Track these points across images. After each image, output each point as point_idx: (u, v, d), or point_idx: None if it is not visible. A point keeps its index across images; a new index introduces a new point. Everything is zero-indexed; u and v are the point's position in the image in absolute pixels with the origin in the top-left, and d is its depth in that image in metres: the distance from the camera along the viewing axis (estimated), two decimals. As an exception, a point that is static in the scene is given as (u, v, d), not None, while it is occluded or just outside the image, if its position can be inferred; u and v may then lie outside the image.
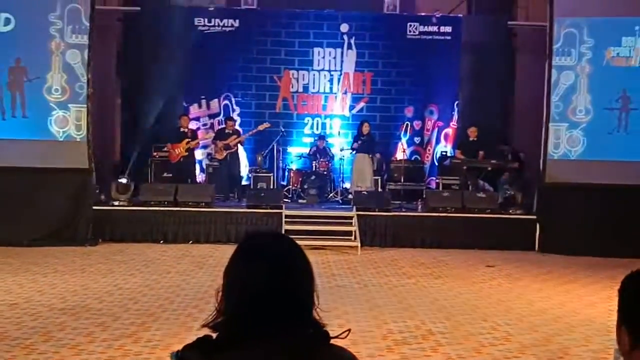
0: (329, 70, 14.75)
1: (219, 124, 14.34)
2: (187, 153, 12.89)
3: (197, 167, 13.83)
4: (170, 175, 13.02)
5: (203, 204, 11.92)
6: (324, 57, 14.72)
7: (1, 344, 5.66)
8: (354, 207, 11.92)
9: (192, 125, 13.84)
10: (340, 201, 13.27)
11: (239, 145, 13.30)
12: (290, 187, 13.61)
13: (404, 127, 14.65)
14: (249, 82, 14.66)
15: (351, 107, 14.81)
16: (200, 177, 13.98)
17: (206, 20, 14.31)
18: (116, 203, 11.94)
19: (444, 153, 14.51)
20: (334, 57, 14.71)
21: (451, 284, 8.75)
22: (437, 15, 14.45)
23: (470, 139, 13.01)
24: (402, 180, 13.69)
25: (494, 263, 10.34)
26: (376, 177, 13.61)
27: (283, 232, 9.98)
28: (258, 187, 13.18)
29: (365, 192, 12.51)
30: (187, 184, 12.73)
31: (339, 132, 14.51)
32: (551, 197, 11.79)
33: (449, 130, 14.74)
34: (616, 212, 11.28)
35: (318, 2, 14.69)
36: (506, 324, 6.73)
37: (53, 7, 11.42)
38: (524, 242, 11.64)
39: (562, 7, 11.83)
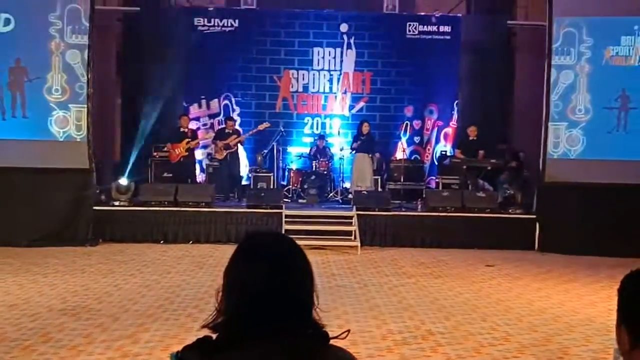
0: (329, 70, 14.76)
1: (219, 124, 14.35)
2: (187, 153, 12.88)
3: (197, 167, 13.84)
4: (171, 175, 13.02)
5: (203, 204, 11.93)
6: (323, 57, 14.73)
7: (0, 345, 5.66)
8: (354, 207, 11.93)
9: (192, 125, 13.84)
10: (340, 201, 13.28)
11: (239, 145, 13.30)
12: (290, 187, 13.62)
13: (404, 126, 14.66)
14: (248, 82, 14.67)
15: (351, 107, 14.82)
16: (200, 177, 13.98)
17: (206, 20, 14.32)
18: (116, 203, 11.94)
19: (444, 152, 14.51)
20: (334, 57, 14.72)
21: (451, 283, 8.75)
22: (436, 15, 14.46)
23: (470, 138, 13.01)
24: (402, 179, 13.70)
25: (493, 262, 10.35)
26: (376, 177, 13.61)
27: (283, 232, 9.98)
28: (258, 187, 13.19)
29: (365, 192, 12.51)
30: (187, 184, 12.73)
31: (338, 132, 14.51)
32: (551, 197, 11.79)
33: (449, 130, 14.74)
34: (616, 212, 11.28)
35: (317, 2, 14.70)
36: (506, 323, 6.74)
37: (53, 8, 11.42)
38: (523, 241, 11.64)
39: (561, 7, 11.83)
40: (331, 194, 13.66)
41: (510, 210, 12.24)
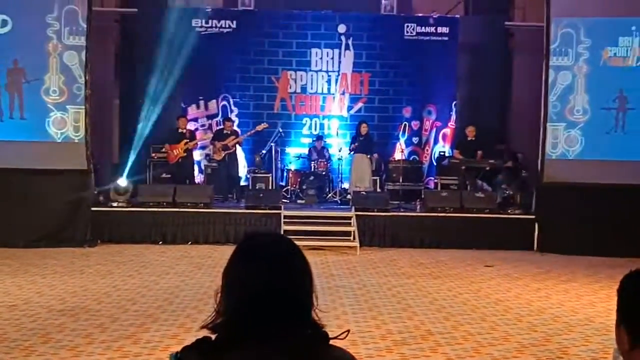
0: (327, 71, 14.75)
1: (217, 125, 14.35)
2: (185, 154, 12.87)
3: (196, 167, 13.83)
4: (169, 176, 13.00)
5: (202, 204, 11.92)
6: (321, 58, 14.72)
7: (0, 346, 5.65)
8: (353, 208, 11.92)
9: (191, 126, 13.83)
10: (339, 201, 13.27)
11: (237, 145, 13.30)
12: (289, 187, 13.61)
13: (402, 127, 14.65)
14: (246, 83, 14.67)
15: (349, 108, 14.82)
16: (198, 177, 13.97)
17: (204, 21, 14.31)
18: (115, 204, 11.93)
19: (442, 153, 14.52)
20: (332, 58, 14.72)
21: (450, 284, 8.75)
22: (434, 16, 14.46)
23: (469, 138, 13.01)
24: (401, 180, 13.69)
25: (492, 263, 10.35)
26: (375, 178, 13.61)
27: (282, 232, 9.97)
28: (257, 187, 13.19)
29: (364, 193, 12.51)
30: (186, 184, 12.73)
31: (337, 133, 14.51)
32: (549, 197, 11.79)
33: (447, 131, 14.75)
34: (614, 212, 11.28)
35: (315, 3, 14.70)
36: (505, 323, 6.74)
37: (50, 9, 11.40)
38: (522, 241, 11.64)
39: (559, 8, 11.84)
40: (330, 195, 13.65)
41: (509, 211, 12.25)
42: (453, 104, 14.65)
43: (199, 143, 13.59)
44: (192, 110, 14.51)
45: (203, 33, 14.27)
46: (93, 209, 11.48)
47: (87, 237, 11.26)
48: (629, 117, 11.74)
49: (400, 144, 14.25)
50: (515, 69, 14.76)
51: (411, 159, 14.67)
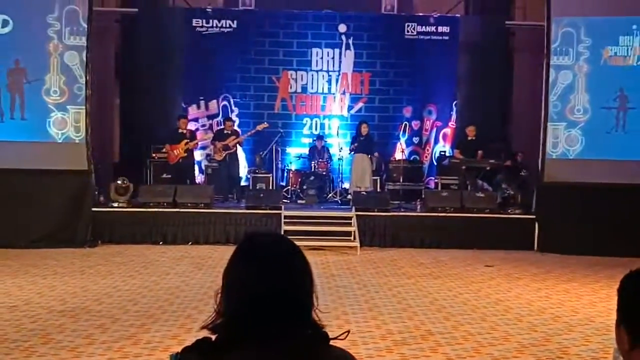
0: (327, 71, 14.75)
1: (217, 125, 14.35)
2: (186, 154, 12.86)
3: (196, 168, 13.83)
4: (169, 176, 12.99)
5: (202, 205, 11.92)
6: (322, 58, 14.73)
7: (0, 347, 5.65)
8: (353, 208, 11.92)
9: (191, 126, 13.83)
10: (340, 201, 13.27)
11: (237, 146, 13.30)
12: (290, 187, 13.61)
13: (403, 127, 14.66)
14: (247, 82, 14.67)
15: (349, 108, 14.82)
16: (199, 178, 13.97)
17: (204, 21, 14.31)
18: (115, 204, 11.93)
19: (443, 153, 14.52)
20: (332, 58, 14.72)
21: (450, 284, 8.75)
22: (434, 16, 14.46)
23: (469, 138, 13.01)
24: (401, 180, 13.69)
25: (492, 263, 10.35)
26: (375, 177, 13.61)
27: (282, 232, 9.98)
28: (257, 187, 13.19)
29: (364, 193, 12.51)
30: (186, 185, 12.72)
31: (337, 133, 14.52)
32: (550, 197, 11.79)
33: (448, 130, 14.75)
34: (615, 211, 11.28)
35: (316, 3, 14.70)
36: (505, 323, 6.74)
37: (51, 9, 11.41)
38: (522, 241, 11.64)
39: (559, 7, 11.84)
40: (330, 195, 13.65)
41: (509, 211, 12.24)
42: (453, 104, 14.65)
43: (199, 143, 13.60)
44: (192, 110, 14.51)
45: (203, 33, 14.28)
46: (93, 209, 11.48)
47: (88, 238, 11.26)
48: (630, 116, 11.74)
49: (401, 144, 14.26)
50: (515, 69, 14.76)
51: (412, 158, 14.67)
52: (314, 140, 14.22)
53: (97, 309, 6.99)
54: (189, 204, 11.89)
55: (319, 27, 14.69)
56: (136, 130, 14.08)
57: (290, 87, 14.77)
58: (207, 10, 14.34)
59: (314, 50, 14.68)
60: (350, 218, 11.71)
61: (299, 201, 13.24)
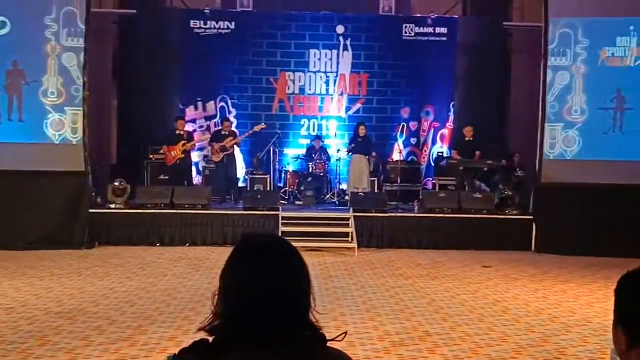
0: (325, 72, 14.76)
1: (215, 126, 14.34)
2: (183, 155, 12.86)
3: (194, 169, 13.82)
4: (167, 177, 12.98)
5: (199, 206, 11.91)
6: (319, 59, 14.73)
7: (-3, 348, 5.65)
8: (351, 208, 11.92)
9: (188, 127, 13.82)
10: (337, 202, 13.28)
11: (235, 146, 13.29)
12: (287, 188, 13.60)
13: (400, 128, 14.67)
14: (244, 83, 14.67)
15: (347, 109, 14.82)
16: (196, 179, 13.97)
17: (202, 22, 14.31)
18: (112, 206, 11.91)
19: (440, 154, 14.52)
20: (330, 59, 14.72)
21: (448, 284, 8.75)
22: (432, 17, 14.47)
23: (466, 138, 13.02)
24: (399, 181, 13.69)
25: (490, 263, 10.35)
26: (373, 178, 13.61)
27: (280, 233, 9.98)
28: (254, 188, 13.19)
29: (361, 193, 12.52)
30: (184, 186, 12.72)
31: (335, 134, 14.52)
32: (547, 197, 11.80)
33: (445, 131, 14.76)
34: (612, 212, 11.30)
35: (314, 4, 14.70)
36: (503, 324, 6.74)
37: (48, 10, 11.40)
38: (520, 242, 11.65)
39: (556, 7, 11.86)
40: (328, 196, 13.65)
41: (506, 211, 12.25)
42: (451, 105, 14.66)
43: (197, 144, 13.60)
44: (190, 112, 14.51)
45: (201, 34, 14.28)
46: (90, 210, 11.47)
47: (85, 239, 11.25)
48: (627, 117, 11.76)
49: (398, 145, 14.26)
50: (513, 69, 14.78)
51: (409, 159, 14.68)
52: (311, 141, 14.21)
53: (94, 311, 6.98)
54: (186, 205, 11.88)
55: (316, 28, 14.69)
56: (133, 131, 14.07)
57: (288, 88, 14.76)
58: (205, 11, 14.34)
59: (312, 51, 14.68)
60: (347, 219, 11.71)
61: (296, 202, 13.24)
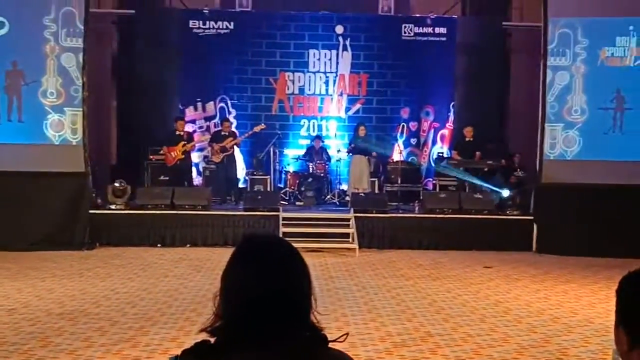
0: (325, 72, 14.75)
1: (215, 127, 14.34)
2: (183, 156, 12.85)
3: (194, 170, 13.81)
4: (167, 178, 12.98)
5: (200, 207, 11.90)
6: (319, 59, 14.72)
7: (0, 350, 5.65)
8: (352, 209, 11.92)
9: (188, 127, 13.81)
10: (338, 203, 13.27)
11: (235, 147, 13.29)
12: (287, 189, 13.60)
13: (400, 128, 14.66)
14: (244, 84, 14.66)
15: (347, 109, 14.81)
16: (197, 180, 13.96)
17: (201, 22, 14.30)
18: (113, 207, 11.91)
19: (441, 154, 14.52)
20: (330, 59, 14.72)
21: (449, 285, 8.75)
22: (431, 17, 14.47)
23: (467, 139, 13.02)
24: (399, 181, 13.69)
25: (491, 264, 10.35)
26: (373, 179, 13.61)
27: (280, 234, 9.98)
28: (255, 189, 13.18)
29: (362, 194, 12.51)
30: (184, 187, 12.71)
31: (335, 134, 14.51)
32: (548, 198, 11.80)
33: (445, 131, 14.75)
34: (613, 212, 11.29)
35: (313, 4, 14.70)
36: (504, 325, 6.74)
37: (47, 11, 11.40)
38: (521, 242, 11.65)
39: (556, 7, 11.86)
40: (328, 196, 13.64)
41: (507, 212, 12.24)
42: (451, 105, 14.66)
43: (196, 145, 13.59)
44: (189, 112, 14.50)
45: (200, 34, 14.27)
46: (91, 211, 11.47)
47: (86, 240, 11.25)
48: (627, 117, 11.76)
49: (399, 145, 14.25)
50: (512, 70, 14.78)
51: (409, 160, 14.67)
52: (311, 141, 14.21)
53: (96, 312, 6.98)
54: (186, 206, 11.88)
55: (316, 29, 14.69)
56: (133, 132, 14.07)
57: (288, 89, 14.76)
58: (204, 11, 14.34)
59: (311, 51, 14.67)
60: (348, 220, 11.71)
61: (297, 203, 13.23)
